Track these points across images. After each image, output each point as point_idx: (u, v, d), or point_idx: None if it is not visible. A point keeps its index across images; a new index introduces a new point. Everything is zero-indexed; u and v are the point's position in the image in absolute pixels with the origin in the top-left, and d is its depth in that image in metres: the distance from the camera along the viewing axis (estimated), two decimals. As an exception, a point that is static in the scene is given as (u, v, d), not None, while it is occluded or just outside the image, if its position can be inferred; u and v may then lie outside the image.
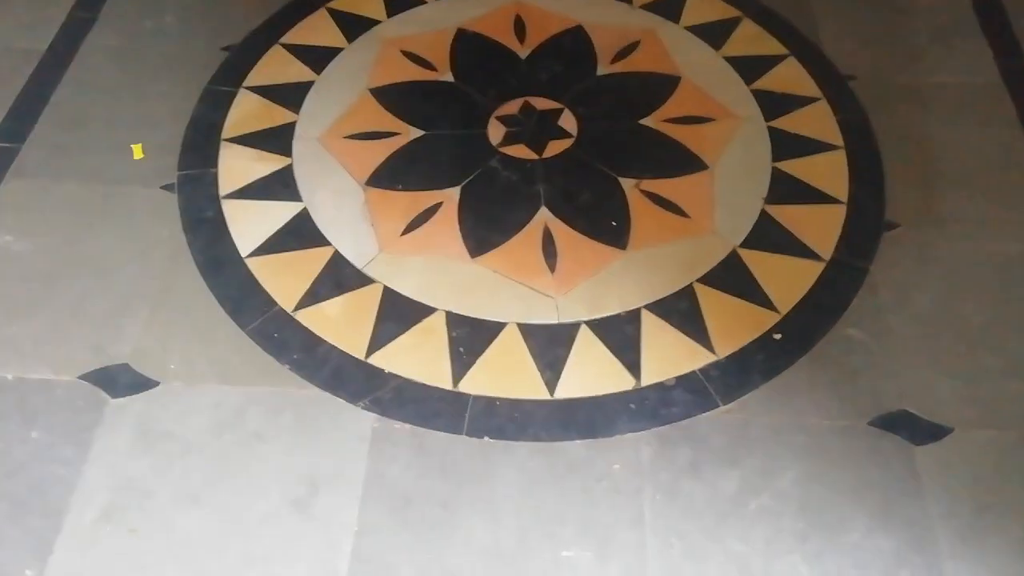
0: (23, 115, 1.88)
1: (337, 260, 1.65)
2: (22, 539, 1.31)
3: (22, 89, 1.94)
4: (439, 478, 1.37)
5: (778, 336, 1.55)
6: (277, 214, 1.72)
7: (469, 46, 2.04)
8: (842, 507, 1.34)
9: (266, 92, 1.94)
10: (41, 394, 1.46)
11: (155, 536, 1.31)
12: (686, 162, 1.81)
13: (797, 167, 1.80)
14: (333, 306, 1.58)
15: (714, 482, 1.37)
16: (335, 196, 1.75)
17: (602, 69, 1.99)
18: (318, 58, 2.01)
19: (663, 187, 1.76)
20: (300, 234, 1.69)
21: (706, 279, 1.63)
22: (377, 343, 1.53)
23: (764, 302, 1.59)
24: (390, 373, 1.49)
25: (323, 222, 1.71)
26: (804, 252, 1.67)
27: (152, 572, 1.28)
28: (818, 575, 1.28)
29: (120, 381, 1.48)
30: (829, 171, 1.80)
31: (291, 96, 1.93)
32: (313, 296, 1.60)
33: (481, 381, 1.49)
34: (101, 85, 1.96)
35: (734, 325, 1.56)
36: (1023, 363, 1.51)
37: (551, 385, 1.48)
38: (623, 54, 2.02)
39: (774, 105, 1.92)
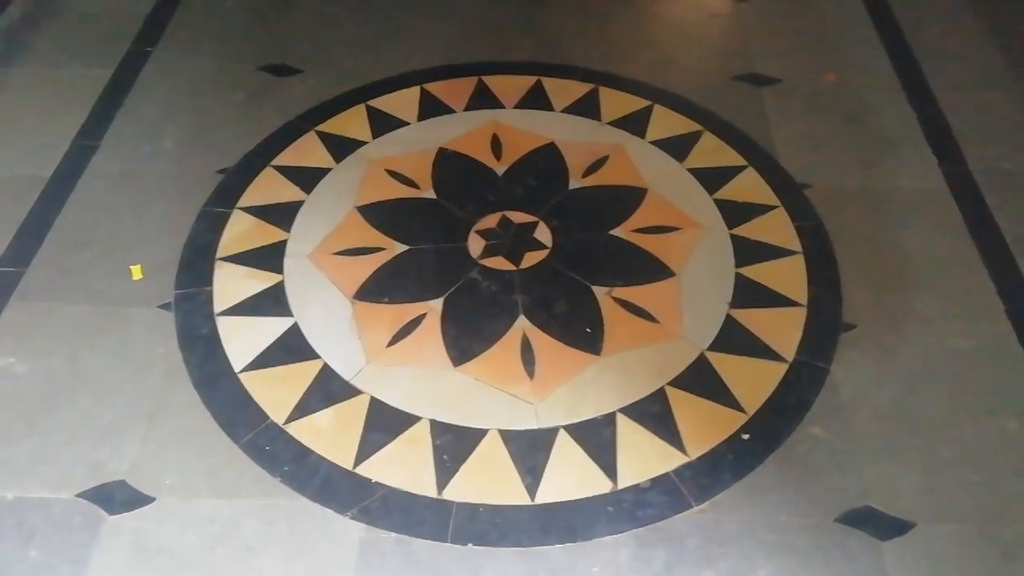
0: (27, 239, 1.99)
1: (326, 372, 1.73)
2: (20, 659, 1.35)
3: (27, 214, 2.04)
4: (425, 586, 1.43)
5: (746, 436, 1.63)
6: (269, 329, 1.81)
7: (449, 164, 2.18)
8: (813, 604, 1.40)
9: (259, 212, 2.06)
10: (39, 512, 1.52)
11: (150, 652, 1.35)
12: (654, 270, 1.92)
13: (759, 272, 1.92)
14: (322, 418, 1.66)
15: (690, 582, 1.43)
16: (324, 310, 1.85)
17: (574, 183, 2.13)
18: (308, 178, 2.14)
19: (633, 294, 1.87)
20: (291, 348, 1.78)
21: (677, 382, 1.72)
22: (364, 453, 1.60)
23: (732, 403, 1.68)
24: (377, 483, 1.56)
25: (313, 336, 1.80)
26: (768, 354, 1.77)
27: None
28: (792, 672, 1.33)
29: (117, 498, 1.54)
30: (789, 275, 1.92)
31: (282, 215, 2.05)
32: (303, 408, 1.67)
33: (464, 488, 1.55)
34: (103, 209, 2.07)
35: (704, 426, 1.64)
36: (977, 454, 1.60)
37: (532, 490, 1.55)
38: (593, 168, 2.16)
39: (735, 214, 2.05)
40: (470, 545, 1.48)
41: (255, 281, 1.91)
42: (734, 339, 1.79)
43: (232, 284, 1.90)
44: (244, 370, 1.74)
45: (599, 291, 1.88)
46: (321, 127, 2.28)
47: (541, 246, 1.97)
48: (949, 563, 1.45)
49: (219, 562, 1.45)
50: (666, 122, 2.29)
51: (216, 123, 2.29)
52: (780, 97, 2.37)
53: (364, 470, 1.58)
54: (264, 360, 1.76)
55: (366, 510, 1.52)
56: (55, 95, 2.37)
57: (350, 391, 1.70)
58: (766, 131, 2.27)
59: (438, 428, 1.64)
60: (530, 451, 1.60)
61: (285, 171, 2.16)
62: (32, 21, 2.62)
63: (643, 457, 1.60)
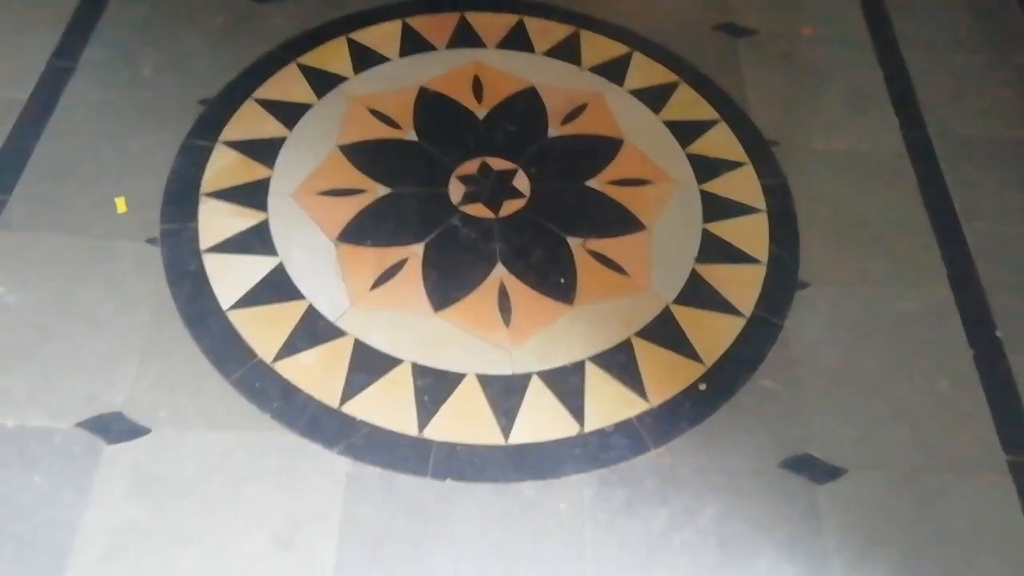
0: (8, 167, 1.99)
1: (311, 313, 1.82)
2: (30, 577, 1.46)
3: (6, 140, 2.04)
4: (407, 518, 1.56)
5: (703, 387, 1.77)
6: (255, 268, 1.87)
7: (431, 105, 2.21)
8: (754, 540, 1.57)
9: (242, 147, 2.08)
10: (40, 441, 1.60)
11: (152, 573, 1.47)
12: (627, 223, 2.02)
13: (724, 229, 2.03)
14: (309, 357, 1.75)
15: (646, 519, 1.58)
16: (309, 251, 1.91)
17: (553, 131, 2.18)
18: (290, 113, 2.16)
19: (606, 246, 1.97)
20: (277, 288, 1.85)
21: (642, 333, 1.84)
22: (349, 392, 1.71)
23: (692, 355, 1.81)
24: (361, 421, 1.67)
25: (298, 277, 1.87)
26: (728, 308, 1.89)
27: (151, 606, 1.44)
28: (732, 600, 1.51)
29: (114, 428, 1.62)
30: (752, 233, 2.03)
31: (266, 152, 2.08)
32: (290, 348, 1.76)
33: (444, 428, 1.67)
34: (83, 137, 2.07)
35: (666, 376, 1.78)
36: (910, 410, 1.76)
37: (506, 431, 1.68)
38: (572, 116, 2.22)
39: (706, 169, 2.14)
40: (448, 480, 1.61)
41: (240, 219, 1.96)
42: (697, 293, 1.91)
43: (217, 221, 1.95)
44: (232, 308, 1.81)
45: (574, 242, 1.97)
46: (302, 59, 2.29)
47: (519, 195, 2.05)
48: (873, 506, 1.62)
49: (214, 491, 1.56)
50: (645, 71, 2.34)
51: (195, 50, 2.27)
52: (756, 49, 2.43)
53: (349, 409, 1.69)
54: (251, 299, 1.83)
55: (351, 446, 1.63)
56: (27, 9, 2.31)
57: (335, 332, 1.79)
58: (740, 85, 2.34)
59: (419, 371, 1.74)
60: (505, 395, 1.72)
61: (267, 105, 2.18)
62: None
63: (608, 403, 1.73)
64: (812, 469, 1.67)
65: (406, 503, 1.57)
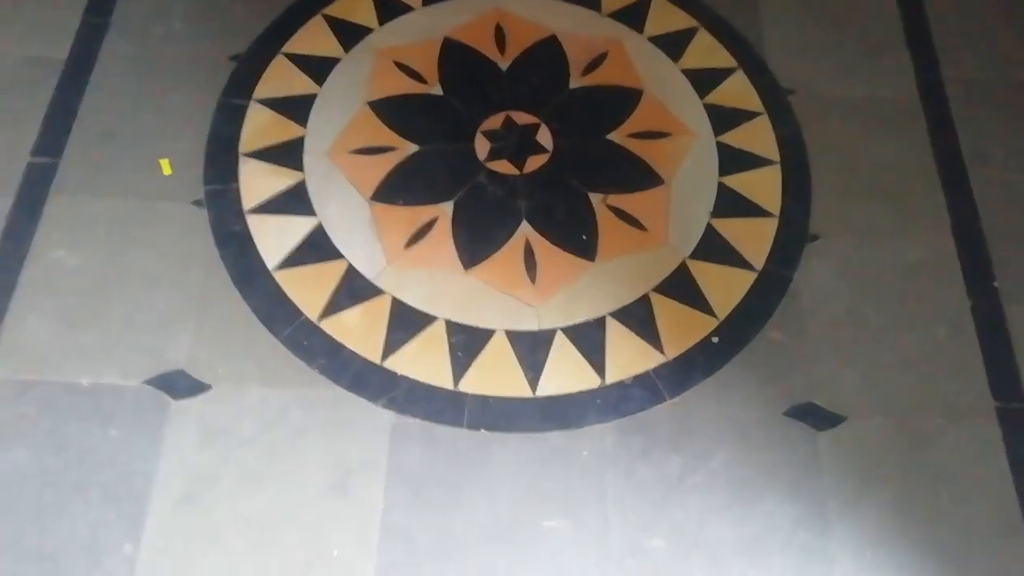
0: (55, 129, 2.09)
1: (351, 273, 1.94)
2: (117, 520, 1.65)
3: (50, 101, 2.13)
4: (446, 465, 1.73)
5: (716, 339, 1.90)
6: (296, 229, 1.99)
7: (455, 57, 2.26)
8: (759, 483, 1.74)
9: (275, 105, 2.16)
10: (114, 397, 1.77)
11: (224, 515, 1.66)
12: (646, 178, 2.10)
13: (739, 182, 2.11)
14: (351, 315, 1.89)
15: (661, 464, 1.75)
16: (345, 211, 2.02)
17: (574, 82, 2.24)
18: (319, 68, 2.23)
19: (626, 202, 2.07)
20: (318, 248, 1.97)
21: (660, 288, 1.96)
22: (390, 349, 1.86)
23: (706, 309, 1.94)
24: (402, 376, 1.83)
25: (336, 236, 1.99)
26: (741, 263, 2.00)
27: (225, 545, 1.64)
28: (739, 535, 1.69)
29: (179, 385, 1.79)
30: (766, 185, 2.11)
31: (298, 109, 2.16)
32: (334, 306, 1.90)
33: (476, 381, 1.83)
34: (122, 96, 2.15)
35: (681, 330, 1.91)
36: (912, 359, 1.89)
37: (533, 384, 1.83)
38: (593, 66, 2.27)
39: (722, 119, 2.20)
40: (482, 431, 1.78)
41: (278, 178, 2.06)
42: (712, 248, 2.02)
43: (257, 181, 2.05)
44: (277, 268, 1.94)
45: (595, 198, 2.07)
46: (328, 10, 2.33)
47: (543, 150, 2.13)
48: (869, 450, 1.78)
49: (273, 442, 1.74)
50: (664, 16, 2.37)
51: (222, 3, 2.32)
52: (775, -11, 2.44)
53: (390, 364, 1.84)
54: (294, 259, 1.96)
55: (394, 399, 1.80)
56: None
57: (374, 291, 1.92)
58: (759, 28, 2.37)
59: (452, 328, 1.89)
60: (532, 350, 1.87)
61: (296, 59, 2.24)
62: None
63: (628, 357, 1.87)
64: (814, 417, 1.82)
65: (445, 451, 1.75)
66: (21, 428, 1.72)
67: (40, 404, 1.75)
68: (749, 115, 2.22)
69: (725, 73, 2.28)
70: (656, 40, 2.33)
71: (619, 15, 2.37)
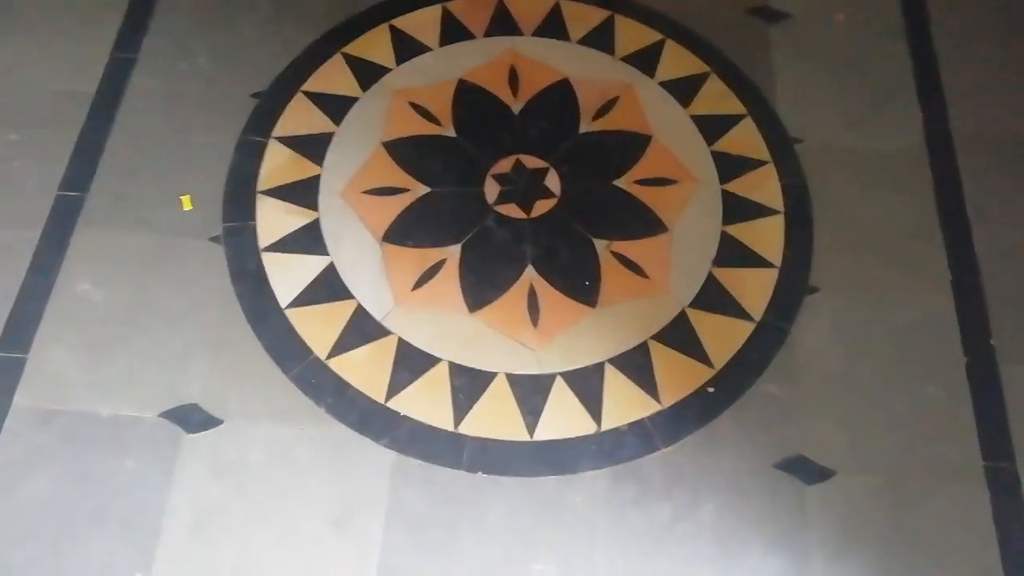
0: (84, 162, 2.18)
1: (360, 312, 2.02)
2: (130, 549, 1.74)
3: (79, 135, 2.22)
4: (444, 505, 1.80)
5: (711, 389, 1.95)
6: (309, 267, 2.07)
7: (469, 99, 2.32)
8: (746, 534, 1.79)
9: (293, 143, 2.24)
10: (131, 429, 1.86)
11: (231, 548, 1.75)
12: (650, 224, 2.15)
13: (742, 231, 2.16)
14: (358, 355, 1.97)
15: (651, 512, 1.81)
16: (356, 251, 2.09)
17: (584, 126, 2.30)
18: (337, 108, 2.30)
19: (630, 248, 2.12)
20: (329, 287, 2.05)
21: (659, 336, 2.01)
22: (394, 389, 1.93)
23: (703, 358, 1.99)
24: (404, 416, 1.90)
25: (347, 276, 2.06)
26: (739, 313, 2.05)
27: (231, 576, 1.73)
28: (723, 585, 1.75)
29: (192, 419, 1.87)
30: (768, 235, 2.15)
31: (315, 147, 2.24)
32: (342, 346, 1.98)
33: (476, 424, 1.90)
34: (147, 131, 2.24)
35: (678, 378, 1.96)
36: (904, 416, 1.93)
37: (531, 428, 1.90)
38: (603, 111, 2.32)
39: (729, 168, 2.24)
40: (480, 473, 1.84)
41: (293, 217, 2.14)
42: (712, 297, 2.06)
43: (273, 219, 2.13)
44: (289, 306, 2.02)
45: (599, 244, 2.12)
46: (347, 49, 2.40)
47: (551, 194, 2.19)
48: (856, 507, 1.83)
49: (280, 478, 1.82)
50: (676, 60, 2.41)
51: (246, 40, 2.40)
52: (787, 36, 2.47)
53: (394, 404, 1.91)
54: (306, 298, 2.03)
55: (396, 439, 1.87)
56: (87, -3, 2.45)
57: (381, 331, 2.00)
58: (770, 75, 2.40)
59: (455, 370, 1.95)
60: (531, 394, 1.93)
61: (315, 98, 2.31)
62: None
63: (624, 404, 1.93)
64: (804, 470, 1.87)
65: (443, 493, 1.82)
66: (43, 456, 1.82)
67: (62, 433, 1.84)
68: (755, 163, 2.26)
69: (734, 120, 2.32)
70: (667, 85, 2.37)
71: (632, 59, 2.41)
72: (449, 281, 2.07)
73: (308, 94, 2.32)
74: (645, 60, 2.41)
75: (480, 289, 2.05)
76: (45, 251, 2.06)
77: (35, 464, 1.81)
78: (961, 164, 2.27)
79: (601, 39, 2.44)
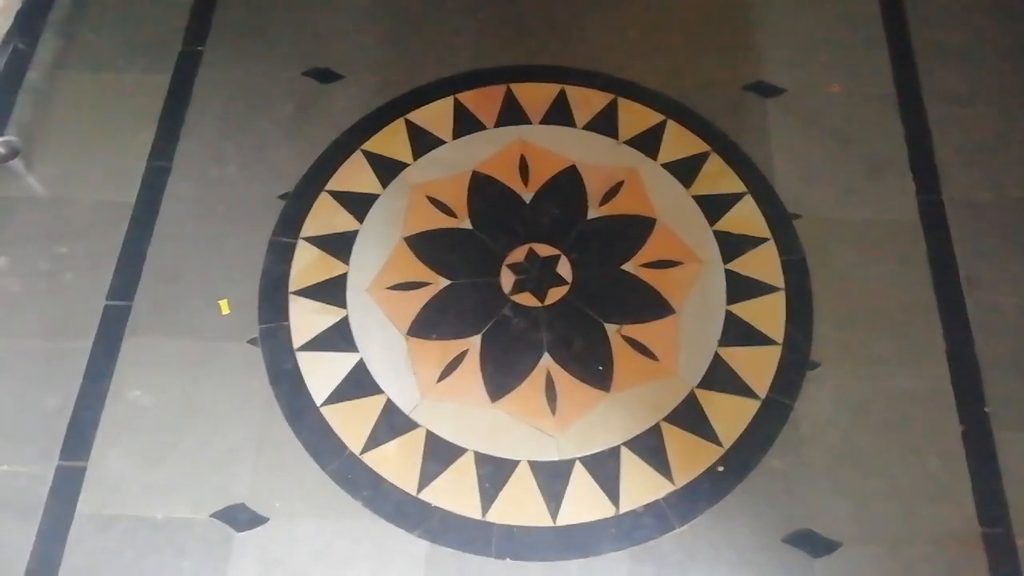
0: (128, 272, 2.35)
1: (389, 407, 2.17)
2: (191, 644, 1.90)
3: (122, 245, 2.39)
4: (476, 592, 1.95)
5: (721, 468, 2.08)
6: (340, 365, 2.22)
7: (483, 190, 2.47)
8: (758, 609, 1.93)
9: (320, 243, 2.39)
10: (185, 530, 2.02)
11: (282, 640, 1.91)
12: (658, 307, 2.29)
13: (745, 310, 2.28)
14: (390, 448, 2.12)
15: (669, 592, 1.95)
16: (383, 346, 2.24)
17: (592, 212, 2.43)
18: (359, 205, 2.45)
19: (639, 332, 2.25)
20: (360, 383, 2.20)
21: (670, 418, 2.15)
22: (424, 481, 2.08)
23: (712, 438, 2.12)
24: (435, 507, 2.04)
25: (376, 371, 2.21)
26: (745, 391, 2.18)
27: (284, 667, 1.88)
28: (738, 658, 1.88)
29: (240, 518, 2.03)
30: (770, 312, 2.28)
31: (341, 246, 2.39)
32: (374, 440, 2.13)
33: (502, 511, 2.04)
34: (184, 238, 2.40)
35: (689, 458, 2.09)
36: (901, 486, 2.05)
37: (554, 514, 2.03)
38: (609, 195, 2.45)
39: (731, 247, 2.37)
40: (507, 560, 1.98)
41: (324, 316, 2.29)
42: (719, 377, 2.19)
43: (305, 319, 2.29)
44: (324, 404, 2.17)
45: (610, 329, 2.26)
46: (366, 145, 2.55)
47: (563, 281, 2.32)
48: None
49: (324, 573, 1.97)
50: (677, 141, 2.54)
51: (271, 142, 2.55)
52: (784, 110, 2.58)
53: (425, 495, 2.06)
54: (339, 394, 2.18)
55: (428, 530, 2.02)
56: (121, 106, 2.61)
57: (410, 424, 2.14)
58: (767, 151, 2.52)
59: (480, 459, 2.10)
60: (552, 480, 2.07)
61: (338, 196, 2.47)
62: (81, 10, 2.78)
63: (640, 485, 2.06)
64: (811, 544, 1.99)
65: (474, 580, 1.96)
66: (106, 562, 1.98)
67: (122, 538, 2.01)
68: (756, 241, 2.38)
69: (734, 198, 2.45)
70: (669, 167, 2.50)
71: (635, 141, 2.54)
72: (471, 372, 2.21)
73: (332, 193, 2.48)
74: (648, 142, 2.54)
75: (500, 378, 2.20)
76: (98, 360, 2.23)
77: (100, 570, 1.97)
78: (953, 232, 2.38)
79: (605, 123, 2.57)
